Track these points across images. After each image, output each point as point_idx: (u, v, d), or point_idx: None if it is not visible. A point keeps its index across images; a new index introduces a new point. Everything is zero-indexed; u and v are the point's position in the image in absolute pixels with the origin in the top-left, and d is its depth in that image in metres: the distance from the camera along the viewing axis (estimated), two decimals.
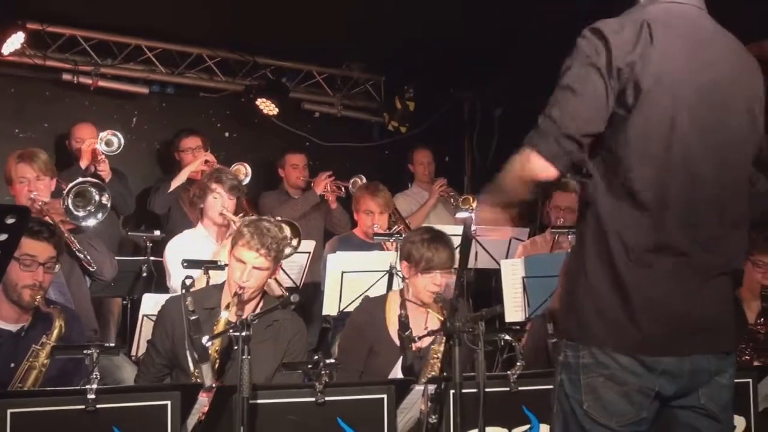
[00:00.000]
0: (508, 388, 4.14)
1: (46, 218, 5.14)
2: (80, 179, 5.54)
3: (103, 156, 6.74)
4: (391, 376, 4.54)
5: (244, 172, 7.61)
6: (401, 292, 4.89)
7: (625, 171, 2.58)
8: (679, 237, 2.58)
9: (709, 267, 2.64)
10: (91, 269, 5.30)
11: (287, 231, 5.57)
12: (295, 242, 5.72)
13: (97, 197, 5.40)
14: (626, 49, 2.55)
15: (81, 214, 5.33)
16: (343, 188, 7.94)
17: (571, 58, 2.62)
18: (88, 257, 5.24)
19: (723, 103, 2.64)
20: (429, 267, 4.63)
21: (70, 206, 5.27)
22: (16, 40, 7.38)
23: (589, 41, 2.60)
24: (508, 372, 4.20)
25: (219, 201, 5.72)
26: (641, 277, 2.57)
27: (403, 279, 4.91)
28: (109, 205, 5.43)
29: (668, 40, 2.59)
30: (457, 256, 4.52)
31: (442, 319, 4.51)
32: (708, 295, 2.64)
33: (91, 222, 5.40)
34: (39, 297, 4.24)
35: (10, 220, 3.02)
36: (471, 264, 6.41)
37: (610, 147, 2.61)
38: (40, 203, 5.22)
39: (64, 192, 5.28)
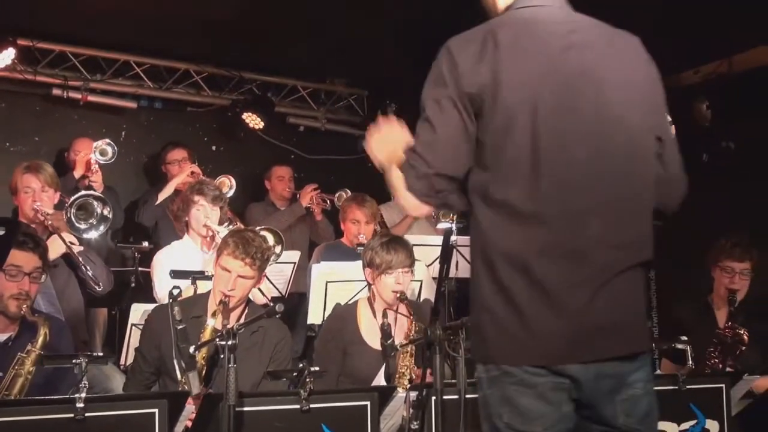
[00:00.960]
0: None
1: (50, 230, 5.12)
2: (83, 192, 5.53)
3: (97, 167, 6.71)
4: (375, 383, 4.53)
5: (228, 184, 7.59)
6: (368, 299, 4.97)
7: (496, 182, 2.48)
8: (565, 239, 2.45)
9: (607, 265, 2.48)
10: (97, 288, 5.26)
11: (270, 239, 5.57)
12: (278, 249, 5.71)
13: (99, 210, 5.36)
14: (473, 61, 2.49)
15: (83, 226, 5.29)
16: (328, 201, 7.93)
17: (429, 76, 2.57)
18: (90, 272, 5.20)
19: (594, 90, 2.52)
20: (389, 267, 4.76)
21: (73, 218, 5.24)
22: (6, 56, 7.35)
23: (439, 60, 2.56)
24: None
25: (202, 212, 5.69)
26: (529, 288, 2.44)
27: (369, 286, 4.98)
28: (110, 218, 5.40)
29: (520, 44, 2.51)
30: (437, 265, 4.55)
31: (410, 315, 4.66)
32: (607, 295, 2.47)
33: (92, 234, 5.37)
34: (25, 307, 4.20)
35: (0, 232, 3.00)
36: (452, 273, 6.39)
37: (478, 161, 2.53)
38: (43, 214, 5.19)
39: (67, 204, 5.25)
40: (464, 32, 2.58)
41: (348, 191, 7.76)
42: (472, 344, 2.62)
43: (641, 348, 2.59)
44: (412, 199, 2.57)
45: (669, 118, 2.77)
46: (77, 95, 8.06)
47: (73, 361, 3.77)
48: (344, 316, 4.99)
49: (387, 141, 2.76)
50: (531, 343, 2.45)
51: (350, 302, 5.16)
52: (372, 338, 4.79)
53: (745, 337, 5.09)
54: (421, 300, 5.52)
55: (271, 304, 4.49)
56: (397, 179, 2.65)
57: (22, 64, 7.75)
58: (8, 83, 7.88)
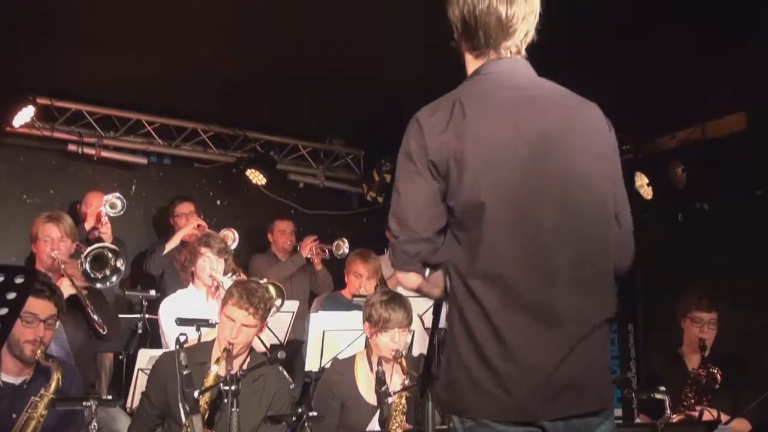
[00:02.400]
0: None
1: (64, 277, 5.11)
2: (99, 244, 5.52)
3: (107, 220, 6.72)
4: (369, 428, 4.51)
5: (232, 237, 7.58)
6: (366, 351, 4.92)
7: (468, 247, 2.46)
8: (534, 303, 2.42)
9: (574, 328, 2.45)
10: (102, 332, 5.25)
11: (273, 291, 5.57)
12: (278, 302, 5.71)
13: (113, 261, 5.37)
14: (438, 130, 2.46)
15: (97, 276, 5.29)
16: (327, 250, 7.94)
17: (401, 148, 2.54)
18: (100, 320, 5.19)
19: (559, 155, 2.48)
20: (386, 326, 4.67)
21: (88, 269, 5.23)
22: (26, 114, 7.39)
23: (408, 130, 2.53)
24: None
25: (208, 264, 5.72)
26: (502, 349, 2.41)
27: (367, 339, 4.92)
28: (123, 269, 5.39)
29: (485, 112, 2.48)
30: (430, 316, 4.51)
31: (405, 373, 4.55)
32: (576, 356, 2.45)
33: (106, 284, 5.37)
34: (39, 352, 4.18)
35: (18, 280, 3.00)
36: (442, 324, 6.36)
37: (449, 225, 2.51)
38: (59, 262, 5.19)
39: (83, 255, 5.25)
40: (433, 102, 2.57)
41: (345, 240, 7.78)
42: (445, 398, 2.55)
43: (608, 404, 2.57)
44: (401, 275, 2.55)
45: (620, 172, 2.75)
46: (91, 151, 8.10)
47: (84, 403, 3.76)
48: (342, 370, 4.91)
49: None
50: (505, 400, 2.42)
51: (348, 357, 5.10)
52: (368, 392, 4.72)
53: (719, 377, 5.11)
54: (416, 351, 5.49)
55: (269, 354, 4.47)
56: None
57: (41, 121, 7.80)
58: (27, 139, 7.90)
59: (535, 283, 2.43)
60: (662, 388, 4.82)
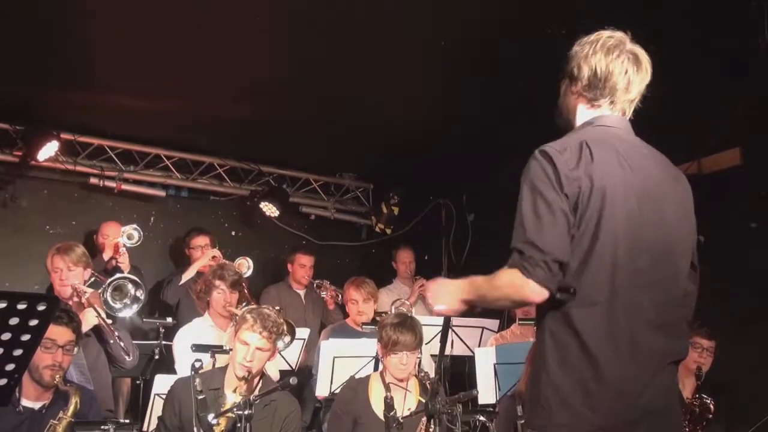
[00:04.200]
0: None
1: (85, 306, 5.11)
2: (120, 275, 5.52)
3: (124, 249, 6.72)
4: None
5: (247, 265, 7.55)
6: (381, 372, 4.93)
7: (581, 274, 2.56)
8: (627, 333, 2.55)
9: (659, 359, 2.61)
10: (128, 359, 5.24)
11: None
12: (287, 339, 5.67)
13: (132, 291, 5.37)
14: (570, 166, 2.58)
15: (117, 306, 5.29)
16: (339, 295, 7.91)
17: (527, 178, 2.62)
18: (122, 344, 5.18)
19: (657, 206, 2.67)
20: (395, 348, 4.71)
21: (108, 299, 5.23)
22: (51, 148, 7.42)
23: (539, 163, 2.61)
24: None
25: (222, 296, 5.72)
26: (595, 371, 2.53)
27: (379, 359, 4.97)
28: (143, 299, 5.40)
29: (605, 156, 2.62)
30: (438, 344, 4.51)
31: (418, 396, 4.57)
32: (659, 383, 2.60)
33: (126, 313, 5.37)
34: (58, 377, 4.17)
35: (41, 307, 2.99)
36: (447, 351, 6.35)
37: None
38: (80, 292, 5.20)
39: (104, 285, 5.25)
40: (558, 140, 2.69)
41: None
42: (532, 415, 2.65)
43: (680, 428, 2.78)
44: (534, 286, 2.54)
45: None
46: (112, 184, 8.13)
47: (102, 427, 3.74)
48: (356, 387, 4.95)
49: (444, 291, 2.86)
50: (590, 418, 2.52)
51: (362, 376, 5.11)
52: (381, 410, 4.68)
53: (712, 407, 5.08)
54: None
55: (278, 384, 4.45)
56: (477, 288, 2.71)
57: (64, 156, 7.83)
58: (51, 172, 7.94)
59: (625, 317, 2.56)
60: None
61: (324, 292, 7.89)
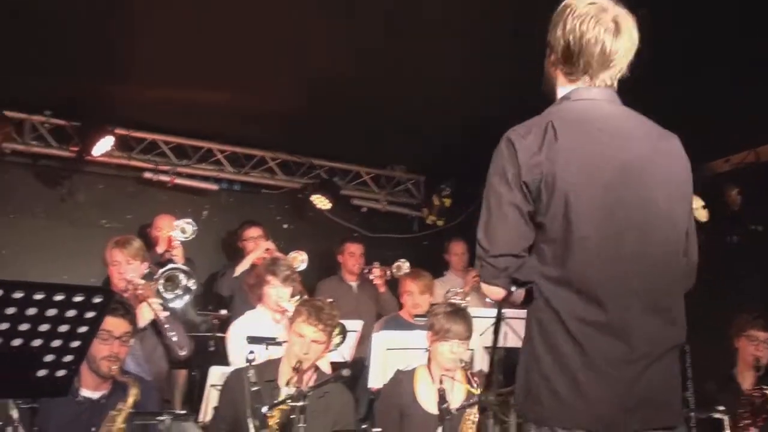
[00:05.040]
0: None
1: (140, 299, 5.16)
2: (172, 265, 5.58)
3: (178, 243, 6.78)
4: None
5: (300, 259, 7.56)
6: (427, 364, 4.90)
7: (557, 262, 2.45)
8: (616, 320, 2.42)
9: (651, 347, 2.45)
10: (181, 353, 5.29)
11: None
12: (339, 339, 5.66)
13: (184, 281, 5.42)
14: (532, 151, 2.45)
15: (170, 296, 5.34)
16: (388, 272, 7.90)
17: (491, 165, 2.54)
18: (175, 338, 5.23)
19: (639, 180, 2.49)
20: (447, 336, 4.68)
21: (161, 289, 5.29)
22: (106, 144, 7.53)
23: (502, 151, 2.52)
24: None
25: (275, 291, 5.72)
26: (584, 361, 2.41)
27: (427, 348, 4.92)
28: (194, 289, 5.44)
29: (573, 135, 2.47)
30: (491, 335, 4.48)
31: (468, 387, 4.53)
32: (653, 372, 2.45)
33: (178, 303, 5.42)
34: (115, 368, 4.21)
35: (96, 300, 3.04)
36: (500, 343, 6.30)
37: (539, 240, 2.49)
38: (135, 284, 5.25)
39: (156, 276, 5.31)
40: (523, 122, 2.56)
41: (405, 261, 7.75)
42: (524, 407, 2.54)
43: (680, 420, 2.57)
44: (485, 287, 2.54)
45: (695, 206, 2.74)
46: (166, 178, 8.24)
47: (158, 417, 3.77)
48: (402, 380, 4.92)
49: None
50: (584, 410, 2.41)
51: (409, 368, 5.09)
52: (427, 402, 4.70)
53: None
54: (476, 370, 5.43)
55: (332, 376, 4.45)
56: None
57: (119, 151, 7.94)
58: (106, 167, 8.06)
59: (614, 302, 2.43)
60: (721, 408, 4.69)
61: (372, 276, 7.86)
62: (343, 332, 5.69)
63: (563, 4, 2.64)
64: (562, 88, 2.66)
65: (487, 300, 7.56)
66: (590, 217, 2.44)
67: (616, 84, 2.65)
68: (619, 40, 2.57)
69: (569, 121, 2.52)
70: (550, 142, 2.46)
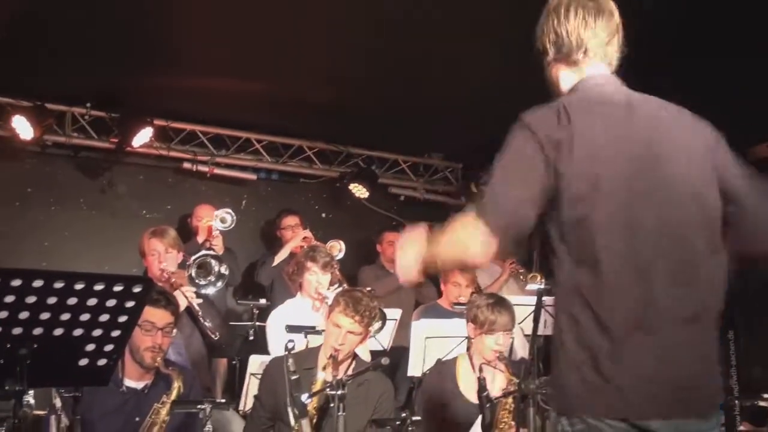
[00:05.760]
0: None
1: (174, 287, 5.19)
2: (202, 252, 5.61)
3: (218, 232, 6.81)
4: (472, 430, 4.44)
5: (338, 248, 7.54)
6: (468, 353, 4.88)
7: (578, 244, 2.40)
8: (638, 299, 2.36)
9: (686, 323, 2.39)
10: (212, 335, 5.31)
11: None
12: (378, 324, 5.65)
13: (216, 268, 5.44)
14: (548, 132, 2.42)
15: (203, 282, 5.36)
16: None
17: (505, 147, 2.49)
18: (208, 323, 5.25)
19: (658, 163, 2.44)
20: (492, 328, 4.64)
21: (194, 276, 5.31)
22: (145, 135, 7.58)
23: (517, 132, 2.48)
24: None
25: (314, 278, 5.72)
26: (612, 347, 2.35)
27: (469, 339, 4.89)
28: (227, 274, 5.46)
29: (586, 117, 2.44)
30: (525, 324, 4.45)
31: (508, 375, 4.53)
32: (686, 356, 2.38)
33: (211, 290, 5.44)
34: (159, 359, 4.24)
35: (136, 289, 3.05)
36: (540, 331, 6.25)
37: (559, 222, 2.43)
38: (168, 272, 5.28)
39: (188, 263, 5.33)
40: (536, 108, 2.53)
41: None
42: (554, 397, 2.51)
43: (716, 407, 2.50)
44: (484, 237, 2.44)
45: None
46: (205, 168, 8.28)
47: (199, 406, 3.79)
48: (444, 370, 4.91)
49: (418, 251, 2.70)
50: (615, 399, 2.36)
51: (450, 358, 5.07)
52: (469, 391, 4.68)
53: None
54: (516, 356, 5.40)
55: (370, 364, 4.44)
56: (449, 248, 2.59)
57: (158, 141, 7.99)
58: (145, 158, 8.13)
59: (638, 282, 2.37)
60: (766, 396, 4.61)
61: None
62: (383, 318, 5.69)
63: (545, 9, 2.69)
64: (567, 79, 2.66)
65: (526, 288, 7.59)
66: (611, 196, 2.39)
67: (615, 64, 2.65)
68: (602, 18, 2.60)
69: (581, 106, 2.49)
70: (564, 123, 2.42)
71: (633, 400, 2.35)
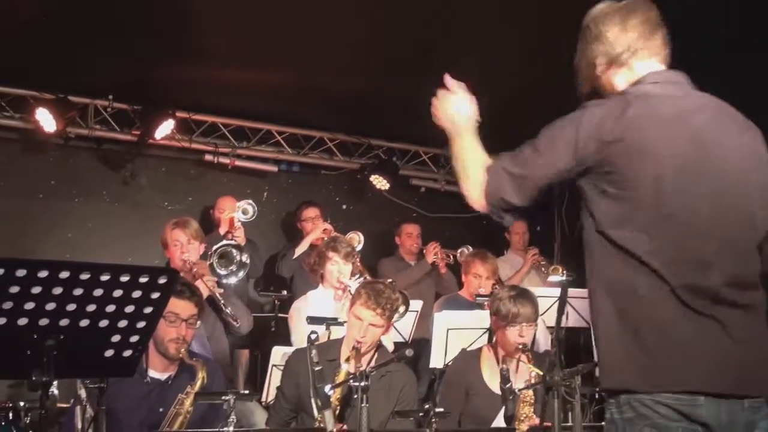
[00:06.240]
0: None
1: (196, 277, 5.20)
2: (223, 242, 5.61)
3: (239, 224, 6.82)
4: (494, 424, 4.43)
5: (357, 240, 7.56)
6: (492, 344, 4.88)
7: (628, 231, 2.43)
8: (690, 284, 2.39)
9: (735, 313, 2.41)
10: (235, 324, 5.32)
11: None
12: (402, 309, 5.66)
13: (238, 257, 5.44)
14: (611, 120, 2.46)
15: (224, 272, 5.37)
16: (451, 256, 7.87)
17: (560, 120, 2.56)
18: (229, 310, 5.26)
19: (713, 158, 2.48)
20: (515, 320, 4.61)
21: (215, 266, 5.32)
22: (167, 127, 7.61)
23: (579, 113, 2.53)
24: (602, 423, 4.04)
25: (336, 268, 5.72)
26: (660, 327, 2.38)
27: (493, 332, 4.88)
28: (248, 264, 5.46)
29: (647, 112, 2.48)
30: (554, 315, 4.42)
31: (532, 368, 4.48)
32: (741, 332, 2.40)
33: (233, 279, 5.44)
34: (183, 350, 4.24)
35: (161, 280, 3.05)
36: (562, 323, 6.23)
37: (621, 209, 2.46)
38: (189, 263, 5.29)
39: (210, 253, 5.34)
40: (599, 99, 2.59)
41: (469, 247, 7.69)
42: (602, 377, 2.52)
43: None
44: (475, 191, 2.62)
45: None
46: (226, 160, 8.30)
47: (223, 398, 3.79)
48: (468, 359, 4.90)
49: (454, 109, 2.90)
50: (659, 375, 2.38)
51: (474, 348, 5.06)
52: (493, 382, 4.67)
53: None
54: (540, 348, 5.38)
55: (394, 356, 4.44)
56: (461, 150, 2.78)
57: (180, 134, 8.02)
58: (167, 150, 8.16)
59: (692, 267, 2.41)
60: None
61: (426, 252, 7.85)
62: (406, 302, 5.70)
63: (588, 18, 2.73)
64: (621, 82, 2.68)
65: (548, 280, 7.57)
66: (664, 190, 2.42)
67: (665, 56, 2.69)
68: (641, 16, 2.66)
69: (644, 101, 2.53)
70: (628, 116, 2.46)
71: (683, 376, 2.37)
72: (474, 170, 2.69)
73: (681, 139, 2.47)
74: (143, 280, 2.99)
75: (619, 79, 2.68)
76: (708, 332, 2.39)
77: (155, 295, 3.05)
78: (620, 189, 2.45)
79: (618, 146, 2.43)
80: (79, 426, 3.79)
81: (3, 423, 5.08)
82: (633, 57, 2.65)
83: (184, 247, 5.41)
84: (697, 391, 2.36)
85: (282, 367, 4.78)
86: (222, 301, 5.26)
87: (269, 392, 5.09)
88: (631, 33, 2.65)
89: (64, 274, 2.82)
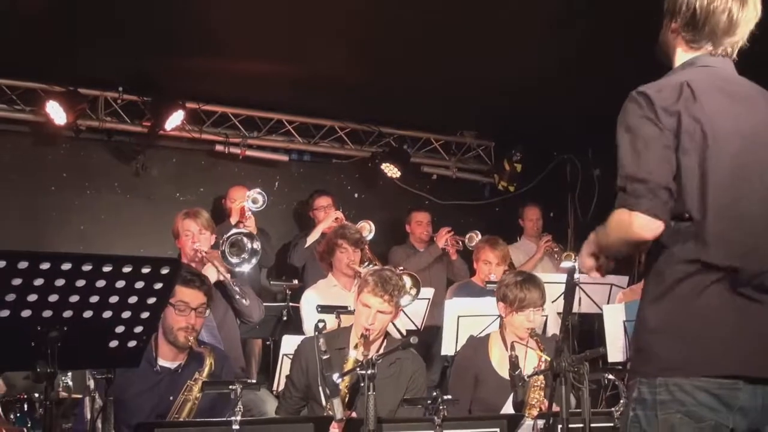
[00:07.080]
0: (612, 424, 4.00)
1: (205, 262, 5.20)
2: (234, 231, 5.61)
3: (250, 213, 6.82)
4: (503, 411, 4.42)
5: (368, 228, 7.54)
6: (500, 331, 4.87)
7: (685, 210, 2.43)
8: (742, 264, 2.40)
9: None
10: (245, 312, 5.32)
11: (408, 281, 5.55)
12: (414, 291, 5.66)
13: (249, 245, 5.44)
14: (669, 103, 2.44)
15: (236, 260, 5.37)
16: (461, 242, 7.85)
17: (622, 120, 2.51)
18: (243, 301, 5.26)
19: (764, 149, 2.50)
20: (522, 306, 4.63)
21: (227, 254, 5.32)
22: (177, 118, 7.61)
23: (635, 102, 2.49)
24: (612, 409, 4.05)
25: (345, 254, 5.73)
26: (707, 305, 2.39)
27: (501, 319, 4.88)
28: (260, 251, 5.45)
29: (709, 96, 2.47)
30: (562, 301, 4.41)
31: (541, 353, 4.52)
32: None
33: (245, 267, 5.44)
34: (192, 338, 4.25)
35: (164, 271, 3.05)
36: (575, 309, 6.22)
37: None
38: (200, 252, 5.30)
39: (221, 241, 5.35)
40: (653, 83, 2.55)
41: (478, 233, 7.65)
42: (635, 361, 2.54)
43: None
44: (643, 219, 2.41)
45: None
46: (237, 150, 8.29)
47: (230, 387, 3.80)
48: (477, 346, 4.90)
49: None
50: (704, 356, 2.39)
51: (483, 334, 5.05)
52: (502, 368, 4.67)
53: None
54: (549, 335, 5.36)
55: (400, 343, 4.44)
56: (606, 243, 2.59)
57: (190, 124, 8.02)
58: (178, 141, 8.16)
59: (739, 253, 2.42)
60: None
61: (437, 238, 7.83)
62: (417, 285, 5.69)
63: None
64: (683, 55, 2.66)
65: (561, 266, 7.52)
66: (725, 176, 2.44)
67: (735, 53, 2.66)
68: (745, 9, 2.59)
69: (703, 85, 2.51)
70: (688, 97, 2.45)
71: (725, 359, 2.38)
72: (609, 229, 2.54)
73: (736, 135, 2.48)
74: (146, 270, 2.99)
75: (680, 55, 2.67)
76: (752, 318, 2.40)
77: (158, 286, 3.05)
78: (681, 174, 2.44)
79: (680, 129, 2.43)
80: (89, 416, 3.80)
81: (18, 414, 5.12)
82: (708, 45, 2.61)
83: (195, 237, 5.42)
84: (736, 375, 2.37)
85: (292, 356, 4.78)
86: (232, 281, 5.25)
87: (280, 381, 5.10)
88: (725, 21, 2.57)
89: (67, 266, 2.82)
